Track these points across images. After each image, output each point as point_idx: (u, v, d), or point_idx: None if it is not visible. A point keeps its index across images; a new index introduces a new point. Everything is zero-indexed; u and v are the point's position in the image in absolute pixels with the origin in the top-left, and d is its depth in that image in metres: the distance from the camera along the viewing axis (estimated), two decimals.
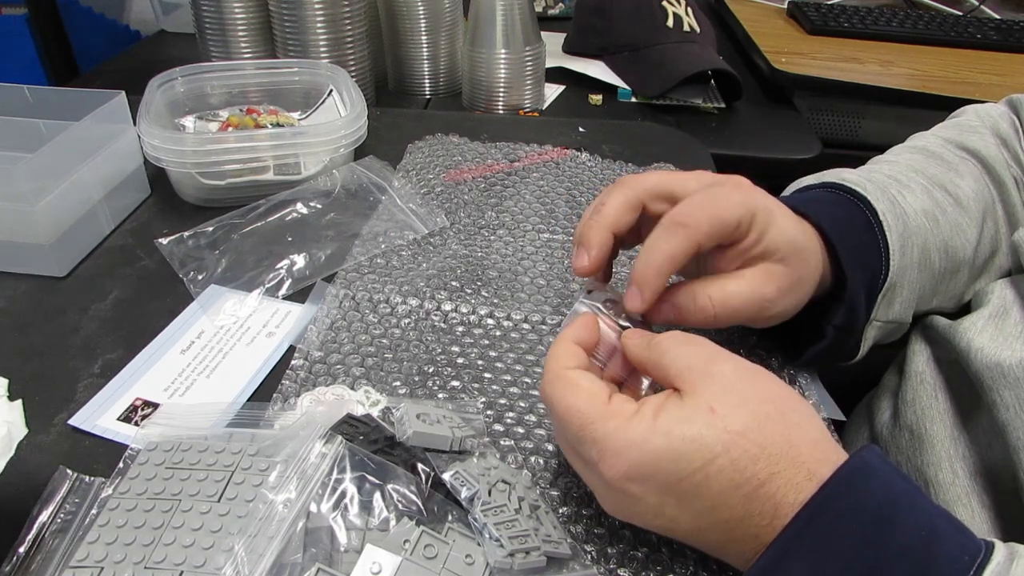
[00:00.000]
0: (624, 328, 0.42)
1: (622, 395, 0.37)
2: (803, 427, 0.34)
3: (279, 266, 0.60)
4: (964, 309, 0.55)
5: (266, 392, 0.49)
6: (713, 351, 0.37)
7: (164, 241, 0.62)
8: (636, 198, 0.44)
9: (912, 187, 0.53)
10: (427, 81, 1.04)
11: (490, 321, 0.56)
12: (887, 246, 0.48)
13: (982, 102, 0.64)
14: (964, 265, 0.54)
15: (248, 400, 0.48)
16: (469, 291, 0.59)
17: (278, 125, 0.75)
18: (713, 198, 0.41)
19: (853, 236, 0.47)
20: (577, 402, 0.36)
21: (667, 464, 0.33)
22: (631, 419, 0.34)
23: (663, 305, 0.42)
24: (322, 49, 0.89)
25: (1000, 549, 0.32)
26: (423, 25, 0.98)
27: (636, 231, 0.45)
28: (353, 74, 0.85)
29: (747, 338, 0.55)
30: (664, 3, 1.06)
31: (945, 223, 0.52)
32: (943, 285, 0.53)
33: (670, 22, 1.05)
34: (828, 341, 0.49)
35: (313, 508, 0.36)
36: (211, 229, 0.63)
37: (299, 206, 0.66)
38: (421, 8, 0.97)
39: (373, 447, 0.39)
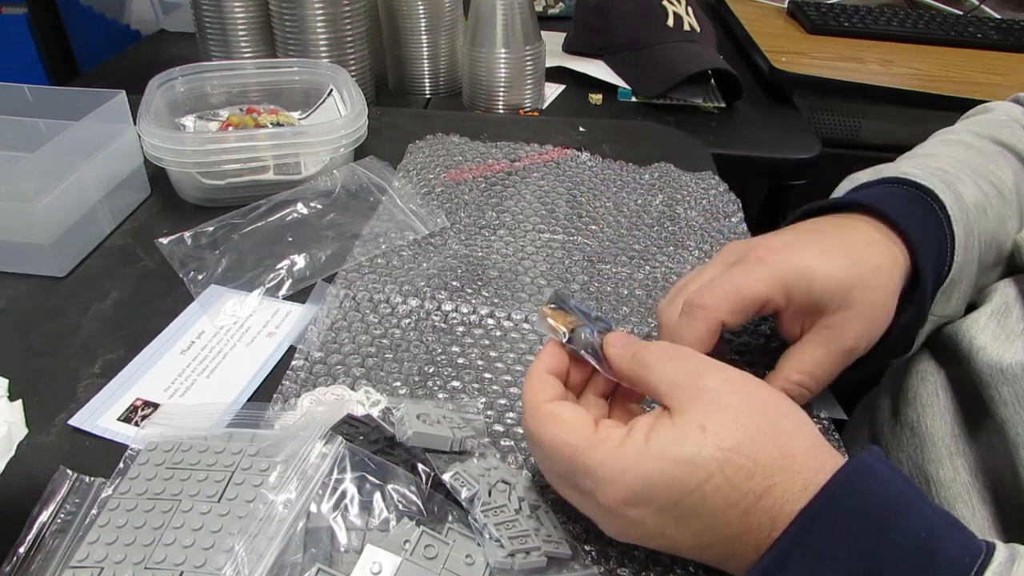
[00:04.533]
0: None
1: (609, 420, 0.36)
2: (796, 435, 0.34)
3: (279, 266, 0.60)
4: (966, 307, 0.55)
5: (266, 392, 0.49)
6: (700, 364, 0.36)
7: (164, 241, 0.62)
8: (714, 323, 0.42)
9: (963, 179, 0.51)
10: (427, 81, 1.04)
11: (490, 321, 0.56)
12: (952, 241, 0.46)
13: (983, 102, 0.64)
14: (1004, 258, 0.53)
15: (248, 400, 0.48)
16: (469, 291, 0.59)
17: (278, 125, 0.75)
18: (731, 276, 0.41)
19: (928, 235, 0.46)
20: (563, 434, 0.35)
21: (663, 487, 0.33)
22: (622, 444, 0.34)
23: None
24: (322, 49, 0.89)
25: (1001, 550, 0.32)
26: (423, 25, 0.98)
27: None
28: (353, 74, 0.85)
29: (740, 335, 0.55)
30: (664, 2, 1.06)
31: (993, 215, 0.51)
32: (983, 278, 0.52)
33: (670, 21, 1.05)
34: (893, 340, 0.46)
35: (313, 508, 0.36)
36: (211, 229, 0.63)
37: (299, 206, 0.66)
38: (421, 8, 0.97)
39: (373, 447, 0.39)
